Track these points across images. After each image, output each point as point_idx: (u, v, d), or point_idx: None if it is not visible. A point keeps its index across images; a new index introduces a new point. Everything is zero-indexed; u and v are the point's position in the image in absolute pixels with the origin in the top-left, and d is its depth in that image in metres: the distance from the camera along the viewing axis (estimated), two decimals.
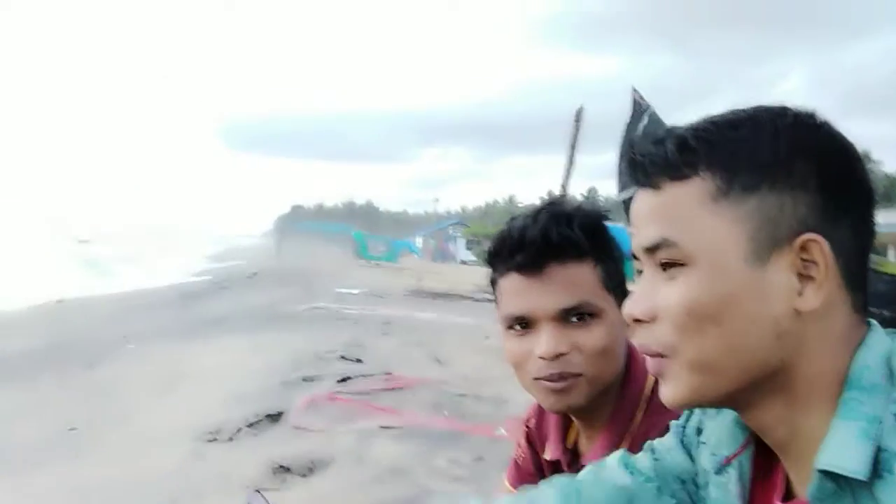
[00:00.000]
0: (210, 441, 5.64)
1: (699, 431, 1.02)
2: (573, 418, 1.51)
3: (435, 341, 9.77)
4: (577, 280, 1.36)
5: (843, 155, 0.83)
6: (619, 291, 1.44)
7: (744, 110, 0.84)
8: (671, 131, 0.85)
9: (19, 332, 12.26)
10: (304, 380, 6.98)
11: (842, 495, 0.76)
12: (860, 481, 0.74)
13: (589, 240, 1.39)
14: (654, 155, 0.85)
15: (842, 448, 0.75)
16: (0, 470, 5.43)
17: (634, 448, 1.40)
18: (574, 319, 1.36)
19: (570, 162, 13.72)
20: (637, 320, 0.85)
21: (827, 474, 0.76)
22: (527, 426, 1.70)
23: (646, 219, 0.85)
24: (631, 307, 0.85)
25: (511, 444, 4.78)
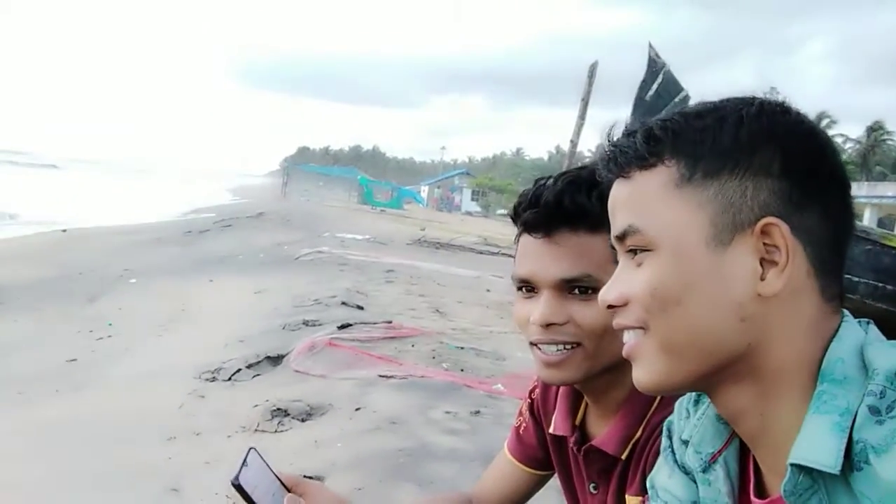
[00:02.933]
0: (210, 381, 5.68)
1: (685, 443, 1.00)
2: (583, 394, 1.49)
3: (436, 292, 9.79)
4: (586, 251, 1.33)
5: (810, 142, 0.83)
6: None
7: (712, 102, 0.87)
8: (643, 124, 0.89)
9: (23, 262, 12.29)
10: (305, 324, 7.01)
11: (816, 489, 0.77)
12: (834, 475, 0.74)
13: (606, 212, 1.35)
14: (625, 145, 0.88)
15: (815, 442, 0.76)
16: None
17: (650, 437, 1.38)
18: (576, 291, 1.33)
19: (582, 117, 13.60)
20: (611, 306, 0.89)
21: (801, 468, 0.76)
22: (531, 397, 1.67)
23: (617, 207, 0.90)
24: (604, 293, 0.90)
25: (508, 400, 4.81)
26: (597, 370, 1.36)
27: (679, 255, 0.83)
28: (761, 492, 0.88)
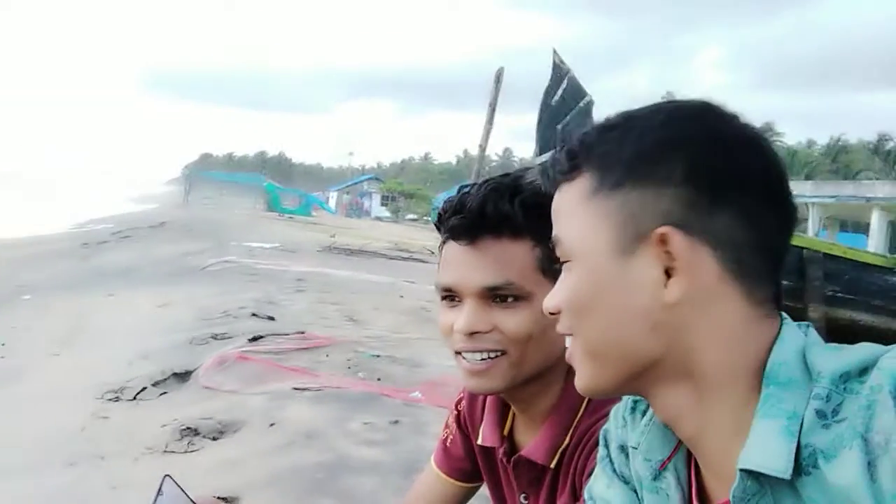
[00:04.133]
0: (113, 400, 5.42)
1: (622, 448, 1.01)
2: (510, 404, 1.47)
3: (349, 300, 9.69)
4: (508, 258, 1.33)
5: (719, 146, 0.83)
6: (559, 276, 1.40)
7: (627, 111, 0.88)
8: (573, 137, 0.91)
9: None
10: (214, 337, 6.80)
11: (763, 493, 0.77)
12: (782, 479, 0.74)
13: (529, 218, 1.35)
14: (554, 159, 0.91)
15: (764, 447, 0.76)
16: None
17: (578, 444, 1.37)
18: (499, 299, 1.32)
19: (490, 122, 13.74)
20: (552, 313, 0.91)
21: (749, 473, 0.76)
22: (457, 408, 1.66)
23: (552, 219, 0.92)
24: (545, 301, 0.92)
25: (426, 408, 4.77)
26: (522, 378, 1.35)
27: (588, 265, 0.86)
28: (703, 498, 0.88)
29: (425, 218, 62.12)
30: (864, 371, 0.74)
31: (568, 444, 1.38)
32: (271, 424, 4.31)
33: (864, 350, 0.77)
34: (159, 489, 1.31)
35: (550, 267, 1.37)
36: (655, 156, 0.82)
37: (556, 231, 0.90)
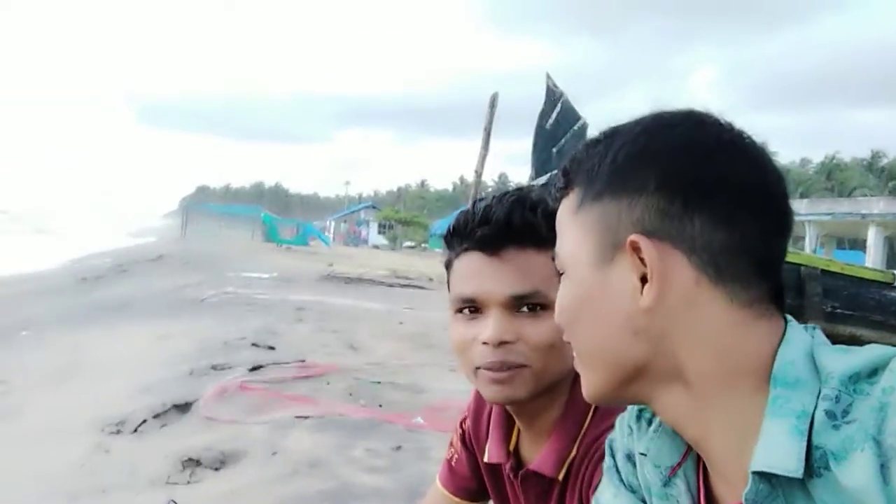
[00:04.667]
0: (114, 433, 5.38)
1: (629, 457, 1.01)
2: (515, 419, 1.47)
3: (349, 328, 9.65)
4: (533, 268, 1.34)
5: (694, 153, 0.84)
6: None
7: (614, 126, 0.91)
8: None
9: None
10: (214, 368, 6.76)
11: (775, 496, 0.76)
12: (793, 480, 0.74)
13: (551, 229, 1.37)
14: (554, 178, 0.96)
15: (775, 447, 0.75)
16: None
17: (585, 455, 1.37)
18: (525, 309, 1.33)
19: (485, 147, 13.79)
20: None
21: (762, 475, 0.76)
22: (462, 427, 1.66)
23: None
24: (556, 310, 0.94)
25: (429, 434, 4.76)
26: (542, 388, 1.35)
27: (575, 276, 0.89)
28: (712, 502, 0.88)
29: (423, 245, 62.13)
30: (874, 372, 0.74)
31: (575, 456, 1.38)
32: (273, 453, 4.28)
33: (873, 351, 0.77)
34: None
35: None
36: (631, 166, 0.84)
37: (556, 245, 0.94)
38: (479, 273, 1.32)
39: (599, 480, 1.31)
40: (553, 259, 1.36)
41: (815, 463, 0.73)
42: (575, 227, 0.89)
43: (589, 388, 0.91)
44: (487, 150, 12.87)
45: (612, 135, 0.89)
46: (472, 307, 1.34)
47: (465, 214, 1.38)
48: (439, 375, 6.72)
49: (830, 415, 0.74)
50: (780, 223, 0.86)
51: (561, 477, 1.39)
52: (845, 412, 0.73)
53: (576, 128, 10.03)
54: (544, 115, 10.21)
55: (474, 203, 1.39)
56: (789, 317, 0.85)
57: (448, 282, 1.41)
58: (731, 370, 0.81)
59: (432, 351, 8.28)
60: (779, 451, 0.75)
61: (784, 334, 0.82)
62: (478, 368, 1.33)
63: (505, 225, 1.31)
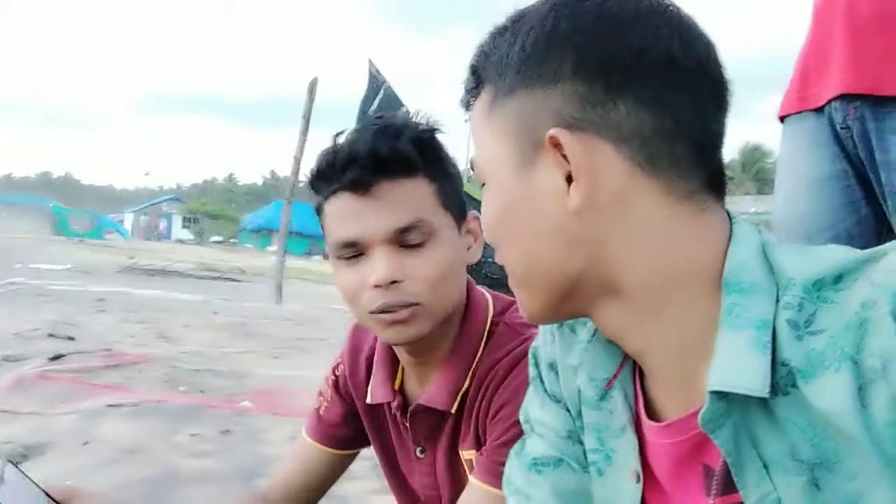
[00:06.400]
0: None
1: (552, 366, 0.95)
2: (406, 357, 1.42)
3: (159, 318, 9.07)
4: (410, 197, 1.29)
5: (609, 28, 0.73)
6: (456, 210, 1.38)
7: (522, 8, 0.79)
8: None
9: None
10: (6, 360, 6.09)
11: (730, 413, 0.69)
12: (750, 396, 0.68)
13: (420, 154, 1.31)
14: (465, 79, 0.84)
15: (737, 364, 0.68)
16: None
17: (479, 386, 1.34)
18: (410, 242, 1.28)
19: (304, 134, 13.50)
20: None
21: (720, 394, 0.69)
22: (334, 374, 1.60)
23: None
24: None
25: (260, 416, 4.54)
26: (438, 322, 1.32)
27: (497, 184, 0.79)
28: (651, 414, 0.82)
29: (231, 240, 60.02)
30: (838, 278, 0.67)
31: (468, 388, 1.35)
32: (85, 443, 3.90)
33: (835, 254, 0.70)
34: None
35: (448, 202, 1.34)
36: (542, 51, 0.74)
37: (474, 155, 0.81)
38: (354, 214, 1.25)
39: (498, 411, 1.28)
40: (430, 185, 1.31)
41: (780, 381, 0.67)
42: (490, 130, 0.79)
43: (526, 308, 0.83)
44: (307, 136, 12.64)
45: (518, 19, 0.78)
46: (353, 250, 1.27)
47: (328, 154, 1.30)
48: (262, 362, 6.46)
49: (793, 324, 0.67)
50: (716, 97, 0.77)
51: (454, 410, 1.36)
52: (808, 321, 0.67)
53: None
54: (367, 100, 10.17)
55: (335, 138, 1.31)
56: (733, 212, 0.78)
57: (322, 227, 1.34)
58: (674, 274, 0.73)
59: (253, 339, 7.97)
60: (741, 368, 0.67)
61: (731, 232, 0.75)
62: (371, 313, 1.28)
63: (372, 160, 1.24)
